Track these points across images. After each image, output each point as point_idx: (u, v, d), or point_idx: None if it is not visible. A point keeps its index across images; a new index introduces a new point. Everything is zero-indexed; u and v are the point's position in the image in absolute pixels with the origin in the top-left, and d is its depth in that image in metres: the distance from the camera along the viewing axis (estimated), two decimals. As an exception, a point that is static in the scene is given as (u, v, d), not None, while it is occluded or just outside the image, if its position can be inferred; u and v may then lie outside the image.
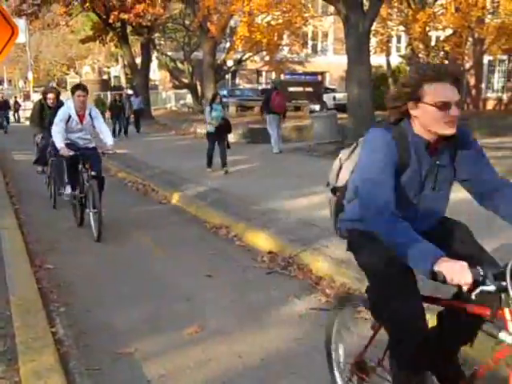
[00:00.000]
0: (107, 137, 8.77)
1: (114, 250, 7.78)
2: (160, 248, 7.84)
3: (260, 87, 46.83)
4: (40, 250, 7.69)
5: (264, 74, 53.38)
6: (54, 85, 65.14)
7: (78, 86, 8.86)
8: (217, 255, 7.46)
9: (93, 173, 8.41)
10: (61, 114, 8.66)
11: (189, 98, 45.63)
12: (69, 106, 8.73)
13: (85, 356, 4.56)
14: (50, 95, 11.03)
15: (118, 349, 4.67)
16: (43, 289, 6.05)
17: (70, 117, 8.64)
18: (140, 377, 4.27)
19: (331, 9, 29.68)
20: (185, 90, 45.09)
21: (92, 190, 8.32)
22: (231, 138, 22.29)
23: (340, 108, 29.17)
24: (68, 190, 9.34)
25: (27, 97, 50.88)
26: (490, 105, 30.86)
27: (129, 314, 5.49)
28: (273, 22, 24.65)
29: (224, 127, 14.22)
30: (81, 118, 8.74)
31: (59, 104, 10.42)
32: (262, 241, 7.81)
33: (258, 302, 5.81)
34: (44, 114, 10.97)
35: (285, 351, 4.68)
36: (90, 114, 8.75)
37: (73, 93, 8.63)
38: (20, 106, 42.72)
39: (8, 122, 33.90)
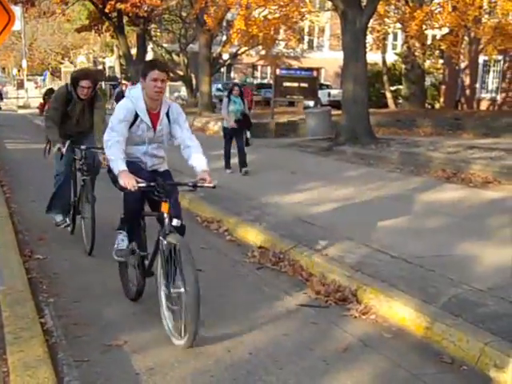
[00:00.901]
0: (197, 154, 5.27)
1: (105, 242, 7.75)
2: (151, 241, 7.81)
3: (255, 81, 46.80)
4: (30, 239, 7.67)
5: (259, 68, 53.33)
6: (49, 74, 64.93)
7: (154, 64, 5.21)
8: (207, 249, 7.46)
9: (175, 222, 4.87)
10: (122, 110, 5.13)
11: (183, 91, 45.47)
12: (135, 98, 5.15)
13: (73, 347, 4.55)
14: (85, 82, 7.18)
15: (107, 341, 4.67)
16: (32, 279, 6.03)
17: (136, 117, 5.13)
18: (128, 369, 4.26)
19: (328, 4, 29.61)
20: (179, 83, 44.91)
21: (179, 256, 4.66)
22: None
23: (334, 105, 29.18)
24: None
25: (21, 85, 50.65)
26: (484, 105, 30.89)
27: (118, 306, 5.48)
28: (270, 16, 24.57)
29: (243, 123, 13.03)
30: (154, 119, 5.22)
31: (95, 96, 7.48)
32: (253, 236, 7.81)
33: (248, 296, 5.82)
34: (70, 111, 7.44)
35: (273, 346, 4.69)
36: (167, 114, 5.27)
37: (144, 74, 5.02)
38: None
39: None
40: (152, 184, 4.93)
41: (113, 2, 30.06)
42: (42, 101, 22.98)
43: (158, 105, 5.19)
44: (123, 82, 33.02)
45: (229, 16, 31.53)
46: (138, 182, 4.78)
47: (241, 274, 6.55)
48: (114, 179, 5.07)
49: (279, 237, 7.49)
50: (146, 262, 5.38)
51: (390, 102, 32.28)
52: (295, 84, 22.98)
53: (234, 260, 7.03)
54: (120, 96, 25.12)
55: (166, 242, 4.78)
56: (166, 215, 4.85)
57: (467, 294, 5.42)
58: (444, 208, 9.45)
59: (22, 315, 4.80)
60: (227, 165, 13.19)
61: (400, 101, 32.76)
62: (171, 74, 44.51)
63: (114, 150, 4.95)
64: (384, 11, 25.58)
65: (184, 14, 38.57)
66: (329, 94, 37.50)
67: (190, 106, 36.30)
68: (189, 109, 33.71)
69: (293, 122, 23.14)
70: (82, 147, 7.31)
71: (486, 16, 25.16)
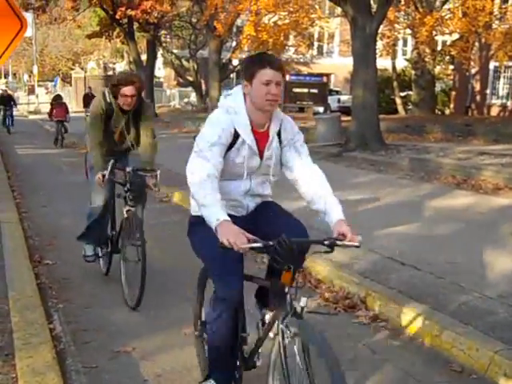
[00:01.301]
0: (327, 195, 3.63)
1: (114, 247, 7.76)
2: (159, 246, 7.82)
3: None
4: (40, 245, 7.69)
5: (269, 73, 53.29)
6: (59, 80, 65.22)
7: (265, 59, 3.40)
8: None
9: (303, 302, 3.12)
10: (215, 127, 3.47)
11: (193, 97, 45.65)
12: (234, 109, 3.48)
13: (82, 353, 4.55)
14: (128, 89, 5.60)
15: (116, 347, 4.66)
16: (42, 284, 6.05)
17: (235, 137, 3.45)
18: (137, 376, 4.26)
19: (338, 10, 29.64)
20: (189, 88, 45.09)
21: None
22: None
23: (344, 110, 29.14)
24: None
25: (31, 91, 50.92)
26: (494, 111, 30.78)
27: (127, 312, 5.48)
28: (279, 22, 24.64)
29: None
30: (261, 141, 3.54)
31: (141, 106, 5.93)
32: (262, 242, 7.77)
33: (257, 303, 5.79)
34: (111, 127, 5.96)
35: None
36: (278, 134, 3.59)
37: (250, 75, 3.38)
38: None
39: (12, 121, 27.20)
40: (271, 243, 3.07)
41: (123, 9, 30.24)
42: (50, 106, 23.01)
43: (267, 120, 3.47)
44: None
45: (239, 22, 31.66)
46: (249, 240, 3.03)
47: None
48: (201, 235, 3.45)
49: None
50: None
51: (400, 107, 32.24)
52: (305, 90, 23.11)
53: (243, 266, 7.00)
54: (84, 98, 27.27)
55: (288, 335, 3.09)
56: (288, 289, 3.14)
57: (477, 301, 5.39)
58: (454, 214, 9.41)
59: (31, 321, 4.81)
60: None
61: (410, 107, 32.71)
62: (180, 79, 44.75)
63: (205, 189, 3.21)
64: (394, 17, 25.61)
65: (194, 20, 38.71)
66: (338, 100, 37.47)
67: (200, 111, 36.44)
68: (198, 114, 33.85)
69: (302, 127, 23.12)
70: (128, 169, 5.79)
71: (497, 22, 25.09)
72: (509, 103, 30.49)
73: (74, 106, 50.33)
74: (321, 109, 27.52)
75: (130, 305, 5.55)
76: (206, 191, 3.22)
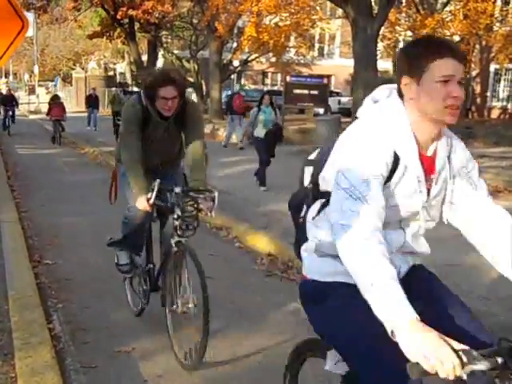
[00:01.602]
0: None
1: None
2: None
3: (265, 88, 46.87)
4: (39, 245, 7.68)
5: (270, 75, 53.38)
6: (60, 80, 65.24)
7: (442, 45, 2.21)
8: (216, 256, 7.44)
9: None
10: (368, 151, 2.19)
11: (194, 97, 45.61)
12: (393, 124, 2.26)
13: (81, 353, 4.54)
14: (168, 90, 4.39)
15: (116, 347, 4.66)
16: (41, 284, 6.05)
17: (395, 165, 2.23)
18: (137, 376, 4.25)
19: (339, 11, 29.63)
20: (190, 89, 45.03)
21: None
22: (234, 138, 22.38)
23: (344, 112, 29.13)
24: None
25: (32, 91, 50.93)
26: (494, 114, 30.80)
27: (127, 312, 5.47)
28: (280, 24, 24.65)
29: (273, 134, 11.97)
30: (428, 171, 2.35)
31: (184, 110, 4.70)
32: (262, 243, 7.79)
33: (257, 304, 5.80)
34: (149, 136, 4.73)
35: (283, 355, 4.62)
36: (448, 158, 2.41)
37: (420, 69, 2.18)
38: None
39: (13, 121, 26.57)
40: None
41: (124, 9, 30.29)
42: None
43: (435, 139, 2.36)
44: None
45: (240, 23, 31.65)
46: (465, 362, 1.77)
47: (250, 281, 6.53)
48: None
49: (288, 244, 7.46)
50: None
51: (401, 109, 32.22)
52: (305, 91, 23.03)
53: (242, 267, 7.01)
54: (87, 99, 28.97)
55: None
56: None
57: (477, 303, 5.37)
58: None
59: (30, 321, 4.81)
60: (262, 182, 11.94)
61: (410, 109, 32.70)
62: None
63: (372, 255, 2.02)
64: (395, 19, 25.62)
65: (195, 21, 38.68)
66: (339, 102, 37.46)
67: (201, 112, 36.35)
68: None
69: (303, 129, 23.13)
70: (177, 190, 4.49)
71: (498, 24, 25.11)
72: (509, 106, 30.50)
73: (74, 105, 50.40)
74: (321, 110, 27.50)
75: (187, 366, 4.37)
76: (372, 259, 1.99)
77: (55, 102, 23.11)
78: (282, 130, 12.39)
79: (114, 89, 29.68)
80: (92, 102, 28.45)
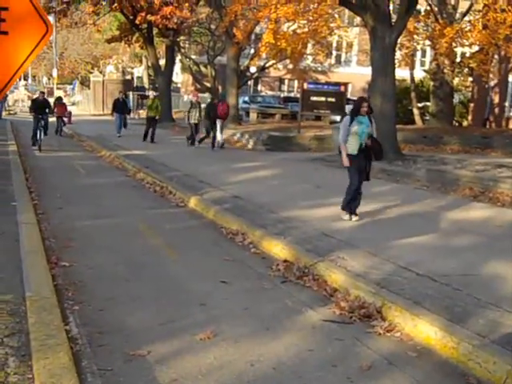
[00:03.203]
0: None
1: (130, 251, 7.79)
2: (175, 251, 7.84)
3: (282, 95, 46.88)
4: (56, 246, 7.72)
5: (286, 82, 53.40)
6: (78, 83, 65.62)
7: None
8: (232, 261, 7.45)
9: None
10: None
11: (210, 103, 45.71)
12: None
13: (97, 356, 4.56)
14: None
15: (131, 350, 4.67)
16: (58, 286, 6.08)
17: None
18: (152, 380, 4.26)
19: (357, 20, 29.65)
20: (206, 94, 45.15)
21: None
22: (250, 144, 22.38)
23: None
24: None
25: (50, 93, 51.32)
26: (513, 124, 30.59)
27: (142, 315, 5.49)
28: (298, 31, 24.63)
29: (369, 151, 9.58)
30: None
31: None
32: (277, 249, 7.79)
33: (272, 310, 5.79)
34: None
35: (297, 362, 4.66)
36: None
37: None
38: None
39: (46, 133, 20.74)
40: None
41: (143, 14, 30.39)
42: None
43: None
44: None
45: (257, 29, 31.69)
46: None
47: (265, 287, 6.53)
48: None
49: (304, 251, 7.46)
50: None
51: (417, 118, 32.08)
52: (322, 98, 23.05)
53: (258, 273, 7.01)
54: (115, 104, 26.69)
55: None
56: None
57: (494, 314, 5.35)
58: (471, 227, 9.35)
59: (47, 322, 4.83)
60: (351, 209, 9.52)
61: (427, 118, 32.56)
62: (198, 85, 44.93)
63: None
64: (413, 28, 25.52)
65: (213, 27, 38.82)
66: (355, 109, 37.31)
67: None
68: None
69: (319, 136, 23.10)
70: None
71: (517, 34, 24.96)
72: (527, 116, 30.29)
73: (92, 109, 50.66)
74: (338, 117, 27.45)
75: None
76: None
77: (59, 102, 28.05)
78: (381, 145, 9.89)
79: (151, 93, 27.88)
80: (119, 106, 26.86)
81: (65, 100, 37.34)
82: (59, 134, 26.32)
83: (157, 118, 24.22)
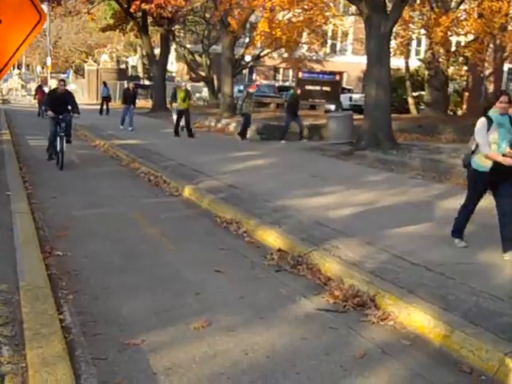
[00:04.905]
0: None
1: (125, 240, 7.79)
2: (170, 240, 7.84)
3: (277, 84, 46.81)
4: (50, 236, 7.71)
5: (281, 70, 53.31)
6: (72, 72, 65.39)
7: None
8: (226, 250, 7.45)
9: None
10: None
11: (205, 92, 45.67)
12: None
13: (91, 345, 4.57)
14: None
15: (126, 339, 4.68)
16: (52, 275, 6.07)
17: None
18: (146, 369, 4.27)
19: (353, 8, 29.58)
20: (201, 83, 45.07)
21: None
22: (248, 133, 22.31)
23: (356, 109, 29.07)
24: None
25: (45, 82, 51.11)
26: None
27: (137, 304, 5.49)
28: (293, 19, 24.57)
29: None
30: None
31: None
32: (272, 238, 7.79)
33: (266, 299, 5.80)
34: None
35: (291, 350, 4.67)
36: None
37: None
38: None
39: (69, 141, 14.27)
40: None
41: (138, 3, 30.22)
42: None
43: None
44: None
45: (252, 18, 31.60)
46: None
47: (259, 276, 6.53)
48: None
49: (298, 240, 7.47)
50: None
51: (412, 107, 32.10)
52: (317, 87, 23.14)
53: (252, 262, 7.02)
54: (126, 95, 24.93)
55: None
56: None
57: (488, 302, 5.37)
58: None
59: (41, 311, 4.83)
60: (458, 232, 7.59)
61: (422, 107, 32.57)
62: (193, 74, 44.80)
63: None
64: (409, 17, 25.50)
65: (208, 16, 38.69)
66: (350, 99, 37.34)
67: (212, 107, 36.43)
68: (210, 110, 33.87)
69: (314, 125, 23.10)
70: None
71: (513, 23, 24.94)
72: (522, 105, 30.30)
73: (87, 98, 50.53)
74: (332, 107, 27.47)
75: None
76: None
77: (40, 90, 31.76)
78: None
79: (184, 84, 25.24)
80: (127, 97, 24.79)
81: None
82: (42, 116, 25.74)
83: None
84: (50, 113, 13.86)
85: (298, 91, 22.27)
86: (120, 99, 31.07)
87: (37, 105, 31.37)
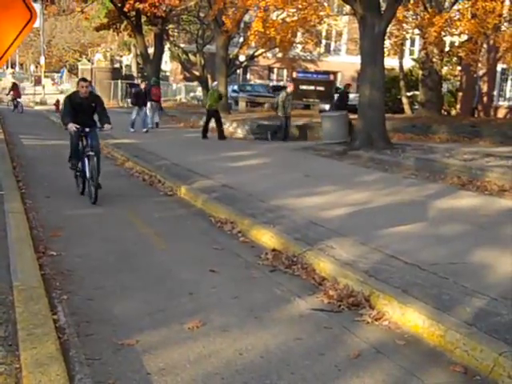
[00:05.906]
0: None
1: (119, 240, 7.77)
2: (164, 240, 7.83)
3: (271, 84, 46.81)
4: (44, 236, 7.69)
5: (276, 70, 53.30)
6: (66, 71, 65.23)
7: None
8: (221, 250, 7.45)
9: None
10: None
11: (199, 91, 45.58)
12: None
13: (85, 345, 4.55)
14: None
15: (120, 340, 4.67)
16: (46, 275, 6.05)
17: None
18: (140, 369, 4.26)
19: (347, 8, 29.57)
20: (195, 83, 45.00)
21: None
22: (240, 133, 22.26)
23: (349, 109, 29.08)
24: None
25: (38, 81, 51.00)
26: (501, 113, 30.65)
27: (131, 304, 5.49)
28: (288, 19, 24.55)
29: None
30: None
31: None
32: (266, 238, 7.79)
33: (261, 299, 5.80)
34: None
35: (285, 350, 4.67)
36: None
37: None
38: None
39: (98, 168, 10.00)
40: None
41: (132, 2, 30.17)
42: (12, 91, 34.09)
43: None
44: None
45: (246, 18, 31.59)
46: None
47: (253, 276, 6.53)
48: None
49: (293, 240, 7.47)
50: None
51: (406, 107, 32.13)
52: (311, 87, 23.11)
53: (247, 262, 7.01)
54: (139, 95, 23.42)
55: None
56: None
57: (481, 302, 5.38)
58: (459, 215, 9.38)
59: (35, 312, 4.81)
60: None
61: (416, 107, 32.61)
62: (187, 74, 44.74)
63: None
64: (403, 17, 25.48)
65: (202, 15, 38.63)
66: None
67: (206, 106, 36.34)
68: (204, 109, 33.84)
69: (308, 125, 23.09)
70: None
71: (506, 24, 25.00)
72: (515, 105, 30.40)
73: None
74: (327, 106, 27.47)
75: None
76: None
77: (14, 87, 34.14)
78: None
79: (214, 84, 24.72)
80: (142, 99, 23.27)
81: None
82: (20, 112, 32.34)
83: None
84: (70, 126, 9.84)
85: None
86: (126, 99, 30.68)
87: (10, 102, 35.19)
